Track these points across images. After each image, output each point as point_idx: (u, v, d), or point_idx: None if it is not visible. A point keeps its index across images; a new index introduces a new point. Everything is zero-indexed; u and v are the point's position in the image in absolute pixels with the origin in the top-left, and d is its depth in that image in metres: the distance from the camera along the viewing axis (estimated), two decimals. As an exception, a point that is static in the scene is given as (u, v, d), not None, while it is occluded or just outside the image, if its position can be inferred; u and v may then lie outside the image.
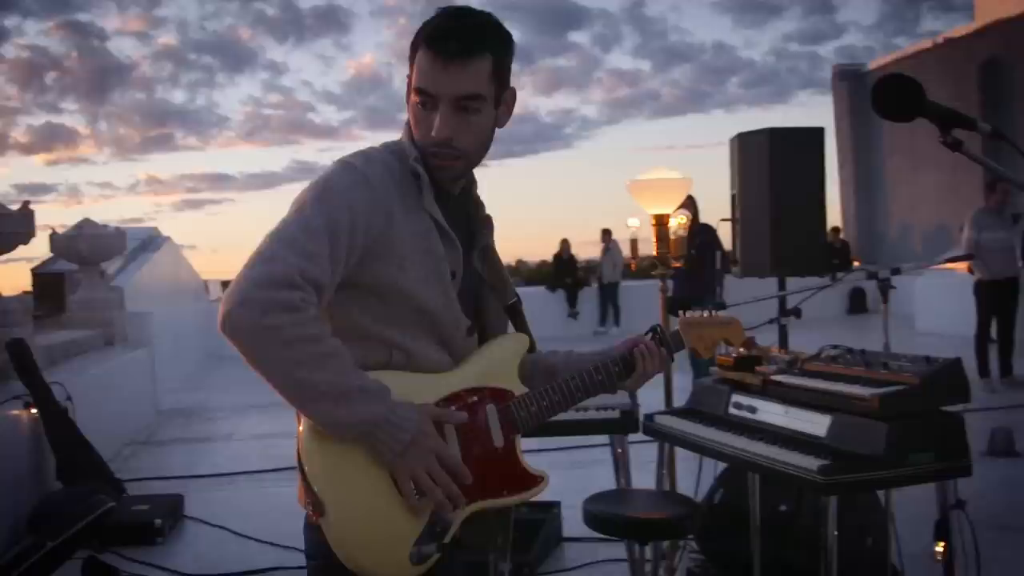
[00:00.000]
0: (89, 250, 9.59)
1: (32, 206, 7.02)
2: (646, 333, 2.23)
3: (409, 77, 1.93)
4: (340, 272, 1.82)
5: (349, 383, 1.75)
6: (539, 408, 2.03)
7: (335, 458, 1.81)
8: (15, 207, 6.87)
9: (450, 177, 1.98)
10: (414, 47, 1.92)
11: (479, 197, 2.12)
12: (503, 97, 1.99)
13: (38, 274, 10.73)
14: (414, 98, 1.92)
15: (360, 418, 1.75)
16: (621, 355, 2.16)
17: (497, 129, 2.03)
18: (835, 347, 3.31)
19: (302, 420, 1.81)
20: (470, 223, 2.09)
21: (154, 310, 10.77)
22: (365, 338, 1.91)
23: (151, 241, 13.14)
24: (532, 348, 2.14)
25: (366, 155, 1.94)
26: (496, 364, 2.05)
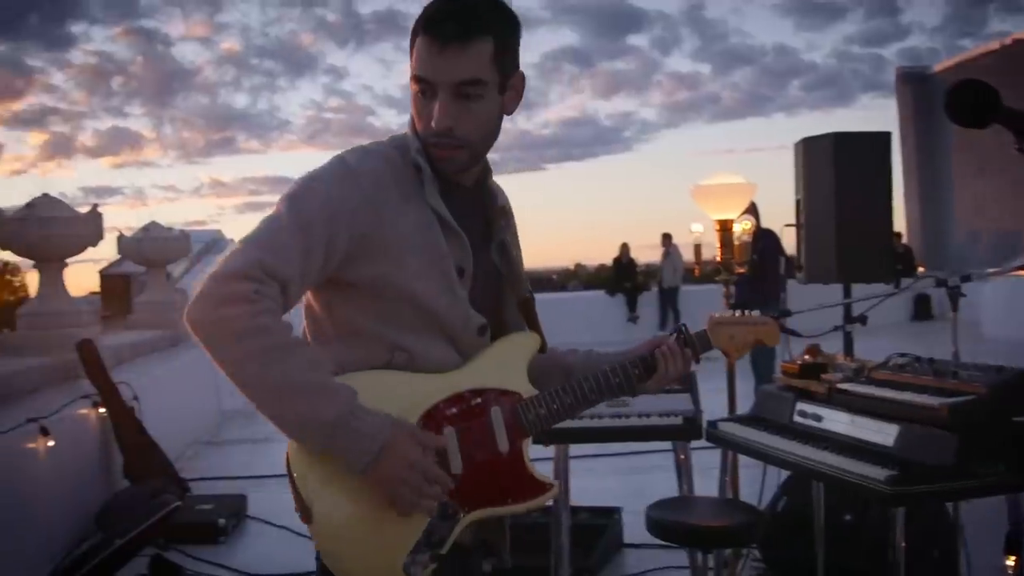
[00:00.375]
0: (155, 252, 9.77)
1: (99, 208, 7.16)
2: (671, 333, 2.12)
3: (412, 67, 1.84)
4: (317, 267, 1.74)
5: (303, 379, 1.65)
6: (549, 411, 1.91)
7: (324, 460, 1.72)
8: (84, 210, 7.01)
9: (454, 168, 1.87)
10: (414, 33, 1.81)
11: (495, 187, 2.02)
12: (509, 82, 1.87)
13: (105, 276, 10.99)
14: (413, 87, 1.83)
15: (316, 419, 1.64)
16: (641, 356, 2.03)
17: (506, 116, 1.92)
18: (903, 355, 3.26)
19: None
20: (486, 216, 1.99)
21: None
22: (364, 338, 1.83)
23: (215, 243, 13.37)
24: (543, 348, 2.03)
25: (364, 149, 1.88)
26: (504, 364, 1.93)
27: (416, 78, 1.80)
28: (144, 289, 9.89)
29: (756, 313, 2.26)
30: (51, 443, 4.98)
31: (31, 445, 4.88)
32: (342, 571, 1.78)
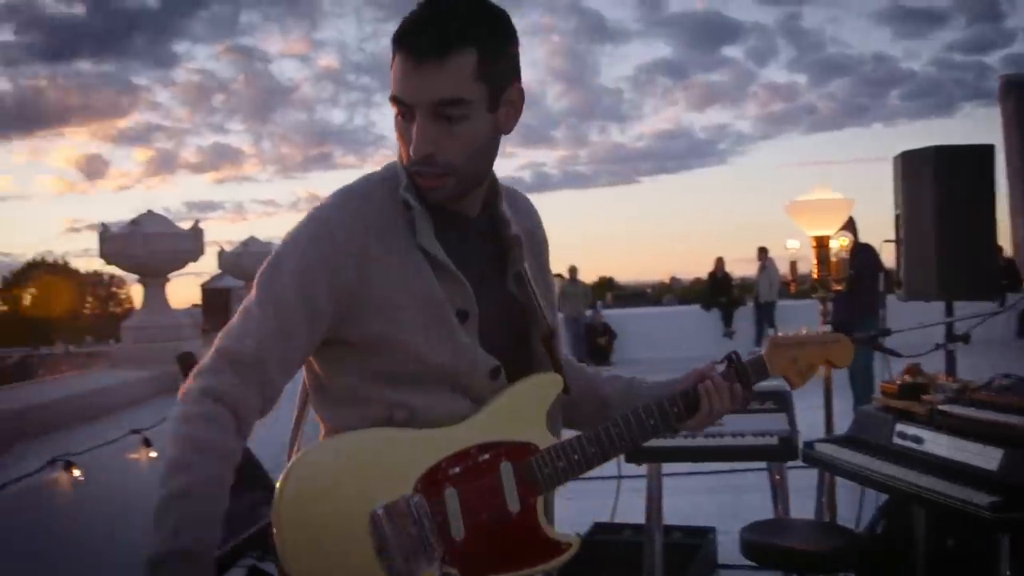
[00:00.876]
0: (253, 267, 9.87)
1: (201, 223, 7.37)
2: (721, 361, 1.91)
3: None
4: (301, 343, 1.59)
5: (177, 528, 1.44)
6: (568, 464, 1.71)
7: (315, 530, 1.56)
8: (186, 226, 7.22)
9: (443, 199, 1.65)
10: (392, 48, 1.62)
11: (505, 214, 1.77)
12: (502, 97, 1.64)
13: (207, 289, 11.27)
14: (393, 108, 1.62)
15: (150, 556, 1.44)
16: (683, 392, 1.82)
17: (504, 136, 1.70)
18: (1007, 376, 3.16)
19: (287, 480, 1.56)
20: (499, 245, 1.77)
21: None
22: (361, 399, 1.65)
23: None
24: (566, 389, 1.78)
25: (345, 192, 1.68)
26: (519, 411, 1.71)
27: (393, 99, 1.61)
28: (240, 302, 10.08)
29: (825, 329, 2.10)
30: (153, 454, 5.13)
31: (134, 456, 5.04)
32: None
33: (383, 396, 1.63)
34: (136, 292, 9.04)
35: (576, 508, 5.19)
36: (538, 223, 1.90)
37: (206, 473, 1.49)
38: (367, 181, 1.70)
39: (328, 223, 1.62)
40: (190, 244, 7.05)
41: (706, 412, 1.81)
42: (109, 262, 7.31)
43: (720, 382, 1.82)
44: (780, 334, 1.98)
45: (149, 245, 6.86)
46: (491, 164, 1.70)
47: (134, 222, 6.95)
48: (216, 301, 10.61)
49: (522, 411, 1.71)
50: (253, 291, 1.63)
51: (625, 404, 1.84)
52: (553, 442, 1.71)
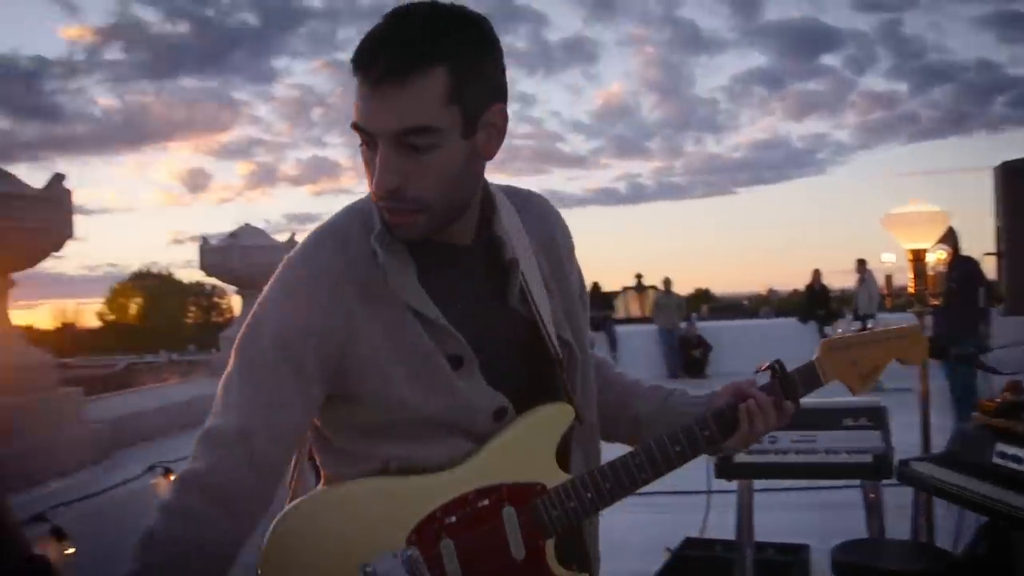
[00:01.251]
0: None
1: (297, 235, 7.51)
2: (765, 368, 1.70)
3: None
4: (291, 407, 1.45)
5: None
6: (580, 504, 1.55)
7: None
8: (283, 238, 7.37)
9: (415, 236, 1.46)
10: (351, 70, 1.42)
11: (503, 236, 1.56)
12: (480, 121, 1.43)
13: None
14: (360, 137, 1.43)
15: None
16: (715, 413, 1.64)
17: (486, 162, 1.50)
18: (1115, 395, 3.05)
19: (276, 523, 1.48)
20: (500, 270, 1.57)
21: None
22: (354, 453, 1.53)
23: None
24: (580, 418, 1.60)
25: (321, 238, 1.51)
26: (522, 449, 1.54)
27: (354, 126, 1.41)
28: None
29: (891, 324, 1.84)
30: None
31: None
32: None
33: (378, 449, 1.51)
34: (236, 302, 9.25)
35: (667, 522, 5.16)
36: (556, 228, 1.71)
37: (138, 566, 1.38)
38: (346, 217, 1.53)
39: (304, 278, 1.47)
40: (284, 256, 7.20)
41: (746, 432, 1.64)
42: (209, 274, 7.51)
43: (764, 400, 1.64)
44: (835, 335, 1.77)
45: (246, 257, 7.02)
46: (471, 194, 1.50)
47: (232, 235, 7.12)
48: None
49: (527, 448, 1.55)
50: (231, 360, 1.49)
51: (658, 423, 1.71)
52: (564, 479, 1.55)
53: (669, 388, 1.80)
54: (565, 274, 1.68)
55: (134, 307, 49.94)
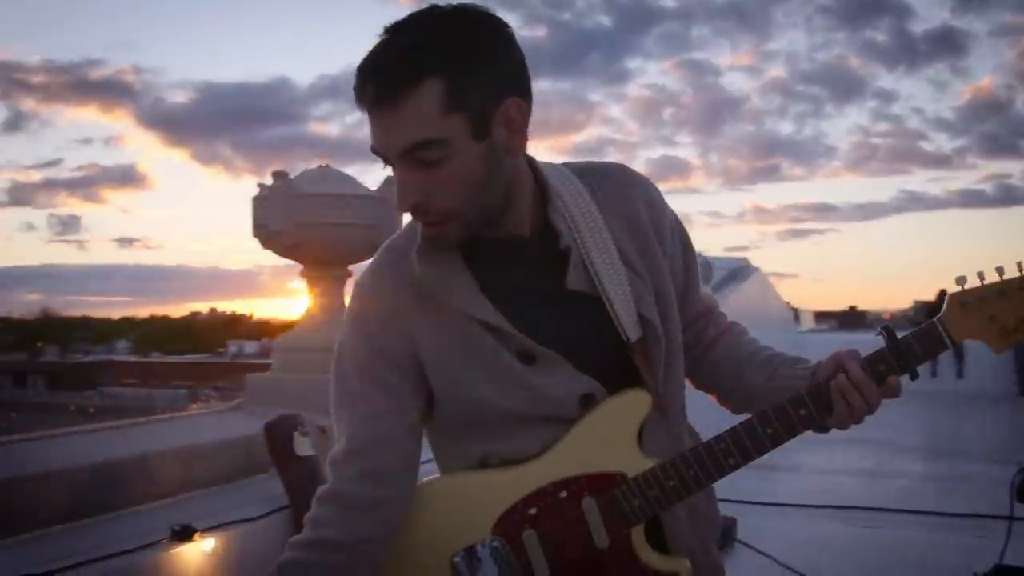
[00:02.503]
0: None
1: None
2: (879, 332, 1.59)
3: None
4: (394, 418, 1.59)
5: None
6: (662, 492, 1.56)
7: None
8: None
9: (453, 243, 1.53)
10: None
11: (557, 225, 1.57)
12: (493, 120, 1.45)
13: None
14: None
15: None
16: (811, 390, 1.57)
17: (508, 158, 1.51)
18: None
19: None
20: (558, 255, 1.58)
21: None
22: (451, 453, 1.67)
23: (740, 271, 13.64)
24: (657, 403, 1.60)
25: (382, 258, 1.65)
26: (601, 439, 1.57)
27: (372, 150, 1.49)
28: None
29: None
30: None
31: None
32: None
33: (474, 446, 1.62)
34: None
35: (959, 546, 4.91)
36: (639, 200, 1.68)
37: (278, 563, 1.57)
38: (403, 235, 1.65)
39: (364, 304, 1.62)
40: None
41: (843, 411, 1.57)
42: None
43: (857, 375, 1.55)
44: (962, 287, 1.55)
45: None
46: (503, 191, 1.52)
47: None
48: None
49: (605, 437, 1.58)
50: (333, 388, 1.65)
51: (765, 398, 1.66)
52: (646, 467, 1.58)
53: (782, 358, 1.75)
54: (652, 248, 1.66)
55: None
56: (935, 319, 1.56)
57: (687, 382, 1.80)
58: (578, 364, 1.58)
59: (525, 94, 1.50)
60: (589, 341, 1.60)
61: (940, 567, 4.82)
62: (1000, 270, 1.54)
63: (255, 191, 5.99)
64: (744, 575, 5.31)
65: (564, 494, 1.58)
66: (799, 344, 16.08)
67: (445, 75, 1.38)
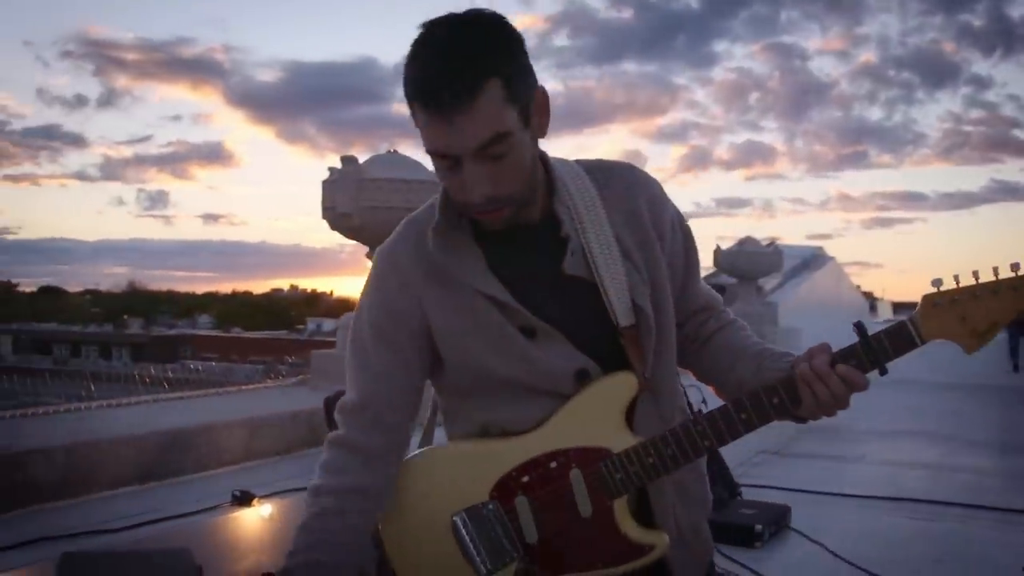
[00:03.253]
0: (747, 266, 10.31)
1: (727, 219, 7.91)
2: (855, 326, 1.67)
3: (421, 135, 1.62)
4: (403, 376, 1.76)
5: (297, 547, 1.72)
6: (642, 467, 1.68)
7: (411, 536, 1.80)
8: (711, 222, 7.73)
9: (503, 226, 1.67)
10: (408, 99, 1.59)
11: (559, 213, 1.71)
12: (531, 109, 1.61)
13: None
14: (433, 159, 1.62)
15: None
16: (783, 380, 1.66)
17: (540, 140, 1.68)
18: None
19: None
20: (559, 241, 1.72)
21: (807, 326, 11.08)
22: (455, 416, 1.84)
23: (814, 260, 13.57)
24: (643, 387, 1.71)
25: (404, 230, 1.80)
26: (590, 416, 1.70)
27: (432, 153, 1.60)
28: (735, 300, 10.45)
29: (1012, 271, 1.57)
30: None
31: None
32: None
33: (476, 412, 1.78)
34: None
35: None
36: (641, 198, 1.80)
37: (314, 511, 1.73)
38: (424, 211, 1.79)
39: (383, 270, 1.79)
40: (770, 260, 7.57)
41: (811, 401, 1.65)
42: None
43: (820, 368, 1.63)
44: (936, 289, 1.61)
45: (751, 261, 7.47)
46: (537, 175, 1.68)
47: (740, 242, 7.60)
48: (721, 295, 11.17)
49: (595, 415, 1.70)
50: (349, 348, 1.82)
51: (752, 387, 1.73)
52: (630, 444, 1.69)
53: (771, 351, 1.82)
54: (651, 243, 1.76)
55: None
56: (906, 318, 1.63)
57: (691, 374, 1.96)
58: (574, 342, 1.71)
59: (539, 83, 1.66)
60: (584, 322, 1.72)
61: (993, 563, 4.81)
62: (976, 274, 1.59)
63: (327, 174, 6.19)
64: (794, 562, 5.36)
65: (554, 465, 1.71)
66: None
67: (501, 75, 1.53)
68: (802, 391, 1.65)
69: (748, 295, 10.23)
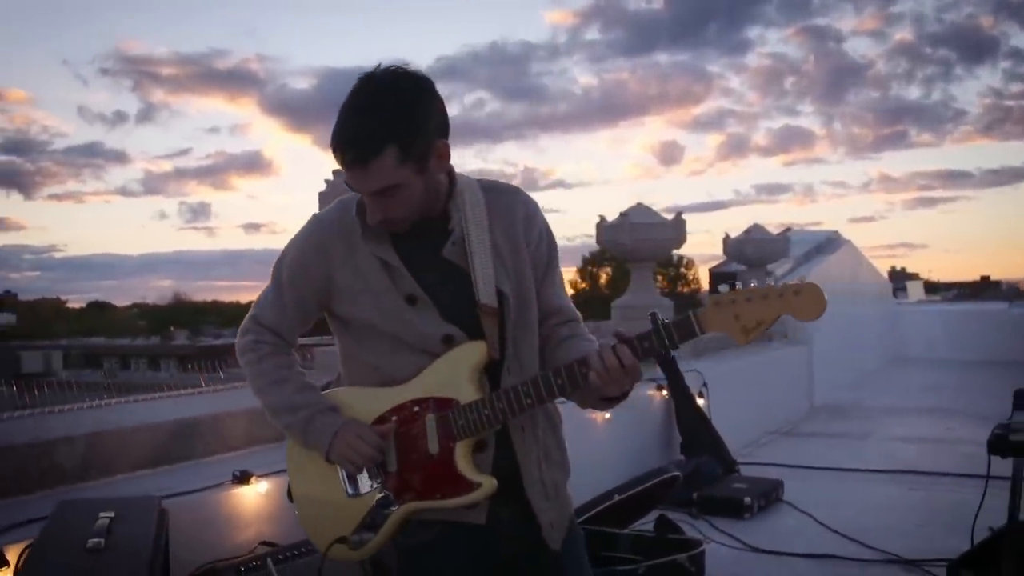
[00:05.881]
0: (755, 253, 10.55)
1: (767, 205, 8.49)
2: (651, 316, 2.02)
3: None
4: (294, 314, 2.23)
5: (283, 401, 2.20)
6: (479, 417, 2.05)
7: (303, 458, 2.23)
8: (752, 209, 8.10)
9: (400, 231, 2.10)
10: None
11: (451, 212, 2.12)
12: (428, 160, 2.02)
13: (714, 274, 12.06)
14: None
15: (288, 425, 2.19)
16: (592, 355, 2.02)
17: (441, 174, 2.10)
18: None
19: None
20: (446, 232, 2.12)
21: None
22: (355, 361, 2.23)
23: (828, 244, 13.71)
24: (492, 355, 2.11)
25: (331, 206, 2.21)
26: (445, 374, 2.10)
27: (346, 183, 2.07)
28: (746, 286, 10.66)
29: (787, 281, 1.93)
30: (607, 415, 6.00)
31: (590, 415, 5.93)
32: (311, 535, 2.28)
33: (366, 360, 2.20)
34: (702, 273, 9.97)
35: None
36: (516, 215, 2.21)
37: (259, 384, 2.24)
38: (345, 201, 2.20)
39: (309, 231, 2.21)
40: (671, 233, 7.81)
41: (600, 369, 1.99)
42: (604, 248, 8.38)
43: (610, 359, 1.98)
44: (722, 292, 1.96)
45: (635, 233, 7.74)
46: (438, 194, 2.12)
47: (623, 214, 7.86)
48: (722, 283, 11.32)
49: (452, 373, 2.10)
50: (272, 271, 2.25)
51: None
52: (473, 398, 2.08)
53: (591, 343, 2.20)
54: (519, 246, 2.20)
55: (604, 277, 52.80)
56: (692, 312, 1.97)
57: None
58: (443, 312, 2.13)
59: (447, 130, 2.08)
60: (455, 298, 2.13)
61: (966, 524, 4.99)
62: (758, 284, 1.98)
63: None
64: (783, 531, 5.61)
65: (416, 409, 2.13)
66: (893, 315, 16.07)
67: (396, 143, 1.96)
68: (594, 361, 1.99)
69: (758, 281, 10.39)
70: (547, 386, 2.04)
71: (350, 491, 2.18)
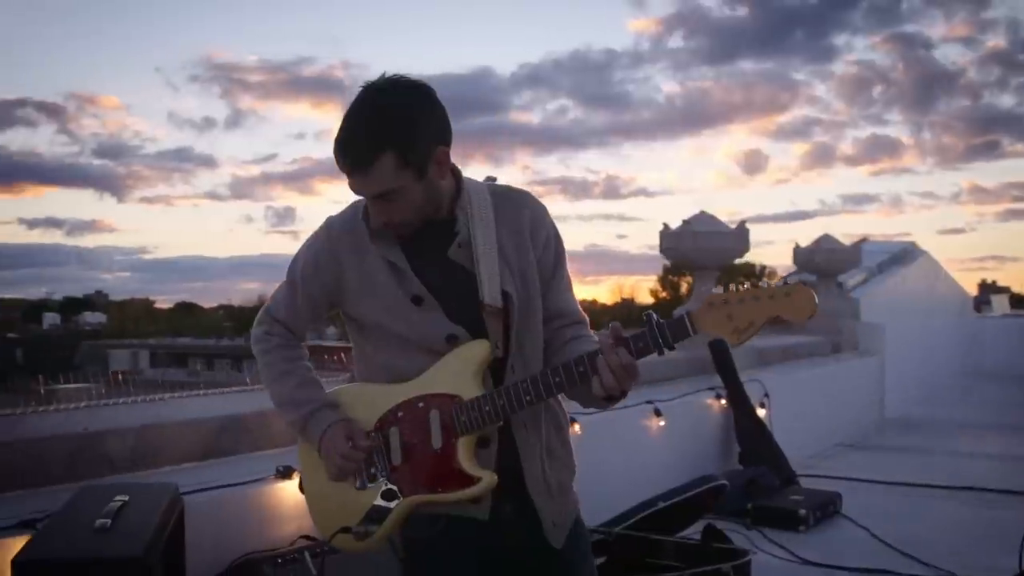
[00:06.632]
0: (825, 263, 10.40)
1: (853, 216, 8.38)
2: (646, 316, 2.01)
3: None
4: (306, 312, 2.32)
5: (287, 395, 2.28)
6: (480, 413, 2.09)
7: (311, 451, 2.28)
8: (837, 220, 7.99)
9: (408, 235, 2.15)
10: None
11: (458, 216, 2.16)
12: (429, 166, 2.07)
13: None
14: None
15: (291, 420, 2.28)
16: (590, 353, 2.03)
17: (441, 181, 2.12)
18: None
19: None
20: (452, 234, 2.15)
21: (892, 321, 11.01)
22: (365, 360, 2.31)
23: (905, 255, 13.44)
24: (495, 353, 2.16)
25: (344, 211, 2.27)
26: (449, 372, 2.15)
27: (350, 187, 2.12)
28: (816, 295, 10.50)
29: (781, 282, 1.83)
30: (662, 423, 5.98)
31: (645, 422, 5.94)
32: (319, 526, 2.35)
33: (376, 356, 2.26)
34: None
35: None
36: (523, 219, 2.24)
37: (267, 376, 2.34)
38: (354, 205, 2.26)
39: (319, 238, 2.27)
40: (733, 243, 7.71)
41: (604, 372, 1.98)
42: (667, 256, 8.31)
43: (606, 344, 1.99)
44: (716, 292, 1.97)
45: (698, 242, 7.67)
46: (440, 199, 2.16)
47: (686, 222, 7.81)
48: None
49: (455, 371, 2.15)
50: (288, 269, 2.34)
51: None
52: (475, 395, 2.11)
53: (594, 343, 2.17)
54: (526, 249, 2.23)
55: (684, 286, 52.38)
56: (686, 312, 1.98)
57: None
58: (448, 313, 2.17)
59: (448, 138, 2.14)
60: (460, 299, 2.17)
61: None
62: (755, 283, 1.97)
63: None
64: (837, 545, 5.52)
65: (421, 405, 2.18)
66: (973, 329, 15.70)
67: (397, 147, 2.02)
68: (597, 362, 2.00)
69: (828, 291, 10.27)
70: (545, 383, 2.08)
71: (357, 484, 2.24)
